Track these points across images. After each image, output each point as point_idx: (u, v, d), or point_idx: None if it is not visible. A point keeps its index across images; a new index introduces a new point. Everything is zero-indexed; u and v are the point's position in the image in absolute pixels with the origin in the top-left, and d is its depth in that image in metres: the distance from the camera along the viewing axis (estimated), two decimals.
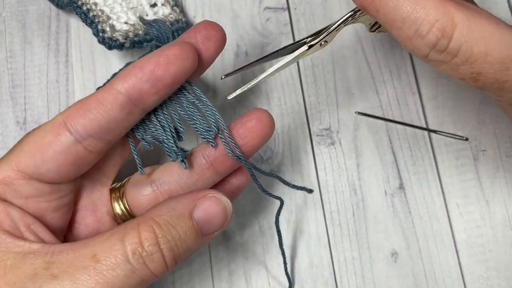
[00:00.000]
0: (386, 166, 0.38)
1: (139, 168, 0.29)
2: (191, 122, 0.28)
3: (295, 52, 0.28)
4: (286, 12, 0.41)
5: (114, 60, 0.40)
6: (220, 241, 0.37)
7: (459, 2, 0.23)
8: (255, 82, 0.28)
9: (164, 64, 0.25)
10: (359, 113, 0.38)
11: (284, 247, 0.35)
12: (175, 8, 0.40)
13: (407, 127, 0.39)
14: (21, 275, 0.23)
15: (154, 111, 0.28)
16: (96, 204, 0.30)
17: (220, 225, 0.26)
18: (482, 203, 0.37)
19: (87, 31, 0.40)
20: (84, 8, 0.37)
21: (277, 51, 0.28)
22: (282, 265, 0.36)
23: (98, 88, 0.38)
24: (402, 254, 0.36)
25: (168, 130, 0.28)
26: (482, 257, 0.36)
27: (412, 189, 0.38)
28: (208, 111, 0.28)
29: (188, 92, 0.28)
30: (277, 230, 0.33)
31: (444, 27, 0.22)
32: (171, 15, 0.39)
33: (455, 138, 0.38)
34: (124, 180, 0.31)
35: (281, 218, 0.37)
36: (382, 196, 0.38)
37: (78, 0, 0.37)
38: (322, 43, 0.27)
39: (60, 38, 0.40)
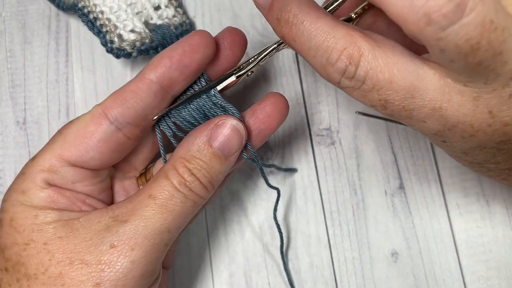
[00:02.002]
0: (386, 166, 0.38)
1: (162, 157, 0.31)
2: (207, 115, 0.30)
3: (223, 82, 0.30)
4: None
5: (114, 60, 0.40)
6: (221, 241, 0.37)
7: (366, 33, 0.25)
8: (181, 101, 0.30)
9: (189, 53, 0.28)
10: (359, 113, 0.38)
11: (284, 247, 0.35)
12: (178, 9, 0.40)
13: (407, 127, 0.39)
14: (93, 231, 0.26)
15: (183, 106, 0.30)
16: (127, 190, 0.32)
17: (238, 144, 0.29)
18: (482, 203, 0.37)
19: (87, 31, 0.40)
20: (91, 16, 0.37)
21: (208, 85, 0.30)
22: (283, 266, 0.36)
23: None
24: (402, 254, 0.36)
25: (189, 123, 0.30)
26: (482, 257, 0.36)
27: (412, 189, 0.38)
28: (223, 105, 0.29)
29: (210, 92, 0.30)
30: (275, 221, 0.34)
31: (351, 55, 0.24)
32: (175, 18, 0.39)
33: None
34: (149, 165, 0.33)
35: (280, 218, 0.37)
36: (382, 196, 0.38)
37: (84, 7, 0.37)
38: (249, 73, 0.30)
39: (60, 38, 0.40)
